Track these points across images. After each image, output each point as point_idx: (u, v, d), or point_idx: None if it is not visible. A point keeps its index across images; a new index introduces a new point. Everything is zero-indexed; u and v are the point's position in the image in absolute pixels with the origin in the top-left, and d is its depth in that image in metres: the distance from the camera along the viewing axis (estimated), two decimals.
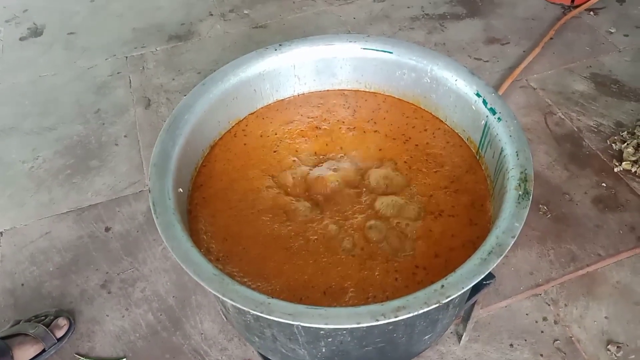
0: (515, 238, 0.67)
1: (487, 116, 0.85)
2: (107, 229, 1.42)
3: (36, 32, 2.17)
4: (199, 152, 0.90)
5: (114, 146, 1.65)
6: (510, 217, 0.69)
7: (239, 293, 0.63)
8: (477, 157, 0.89)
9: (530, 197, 0.72)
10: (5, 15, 2.27)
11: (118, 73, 1.92)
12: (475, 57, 1.89)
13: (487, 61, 1.87)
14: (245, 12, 2.19)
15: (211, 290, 0.63)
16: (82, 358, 1.17)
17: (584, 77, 1.78)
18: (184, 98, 0.88)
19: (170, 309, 1.24)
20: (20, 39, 2.14)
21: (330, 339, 0.70)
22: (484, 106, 0.85)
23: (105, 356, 1.17)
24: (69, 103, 1.81)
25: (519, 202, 0.71)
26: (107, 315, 1.24)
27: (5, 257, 1.37)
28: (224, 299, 0.63)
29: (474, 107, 0.87)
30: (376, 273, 0.75)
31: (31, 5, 2.33)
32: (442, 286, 0.63)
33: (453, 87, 0.91)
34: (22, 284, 1.31)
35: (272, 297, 0.62)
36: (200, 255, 0.67)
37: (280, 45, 0.97)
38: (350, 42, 0.98)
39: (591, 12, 2.05)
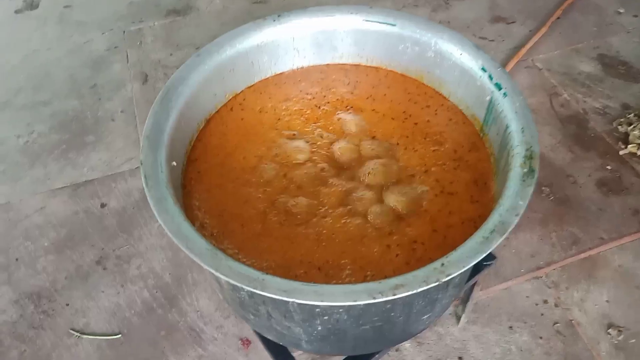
0: (519, 216, 0.64)
1: (492, 92, 0.82)
2: (102, 205, 1.40)
3: (32, 5, 2.12)
4: (194, 125, 0.87)
5: (110, 122, 1.62)
6: (514, 196, 0.67)
7: (232, 269, 0.61)
8: (481, 135, 0.87)
9: (536, 175, 0.69)
10: None
11: (115, 48, 1.88)
12: (480, 36, 1.84)
13: (492, 40, 1.83)
14: None
15: (204, 265, 0.61)
16: (77, 334, 1.16)
17: (591, 58, 1.74)
18: (178, 70, 0.85)
19: (166, 286, 1.23)
20: (16, 12, 2.09)
21: (326, 317, 0.69)
22: (489, 81, 0.82)
23: (100, 332, 1.17)
24: (64, 78, 1.78)
25: (524, 180, 0.68)
26: (103, 292, 1.23)
27: None
28: (217, 274, 0.60)
29: (478, 83, 0.84)
30: (374, 249, 0.73)
31: None
32: (442, 264, 0.61)
33: (458, 61, 0.87)
34: (17, 259, 1.29)
35: (267, 273, 0.60)
36: (193, 229, 0.65)
37: (279, 15, 0.93)
38: (351, 13, 0.94)
39: None
